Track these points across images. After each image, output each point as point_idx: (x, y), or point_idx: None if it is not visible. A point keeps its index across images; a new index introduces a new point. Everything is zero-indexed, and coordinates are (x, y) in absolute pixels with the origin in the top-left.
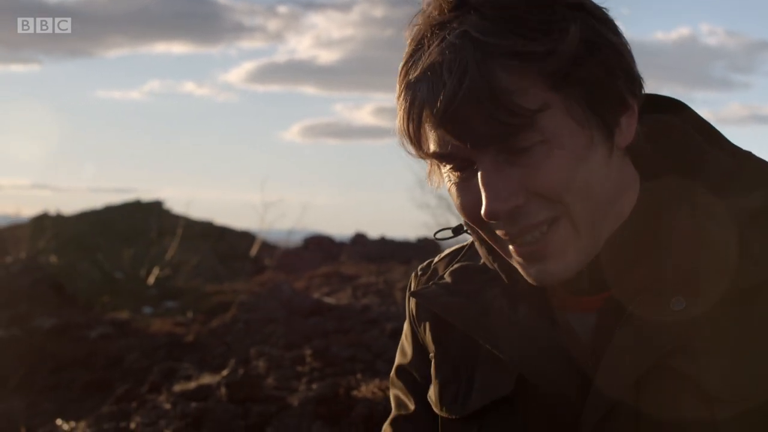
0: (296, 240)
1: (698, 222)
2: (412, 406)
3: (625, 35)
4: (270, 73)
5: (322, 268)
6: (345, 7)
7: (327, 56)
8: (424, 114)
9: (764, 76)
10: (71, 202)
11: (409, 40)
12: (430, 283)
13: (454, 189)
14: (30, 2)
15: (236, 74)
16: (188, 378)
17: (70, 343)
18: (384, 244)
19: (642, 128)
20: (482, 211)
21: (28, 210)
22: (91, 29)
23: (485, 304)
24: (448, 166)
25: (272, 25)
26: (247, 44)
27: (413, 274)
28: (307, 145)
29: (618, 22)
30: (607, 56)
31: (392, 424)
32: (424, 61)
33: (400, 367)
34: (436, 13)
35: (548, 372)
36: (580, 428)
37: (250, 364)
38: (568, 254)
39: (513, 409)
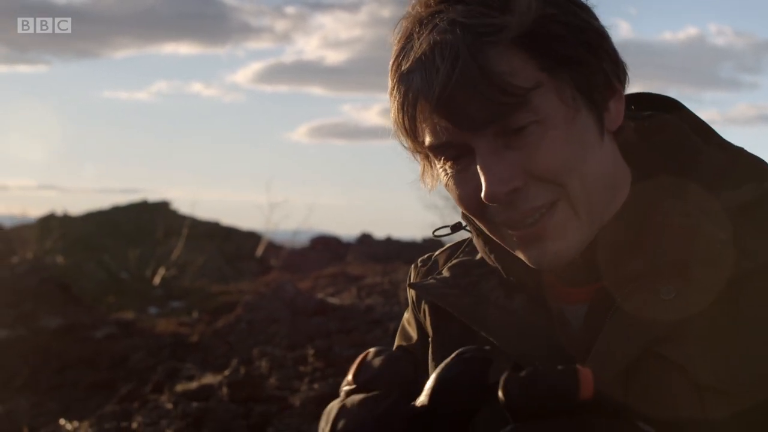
0: (302, 240)
1: (689, 214)
2: None
3: (632, 35)
4: (277, 73)
5: (328, 269)
6: (353, 8)
7: (335, 57)
8: (419, 104)
9: None
10: (78, 203)
11: (398, 38)
12: (429, 277)
13: (451, 182)
14: (37, 3)
15: (243, 75)
16: (191, 378)
17: (75, 343)
18: (390, 244)
19: (634, 125)
20: (482, 194)
21: (35, 210)
22: (98, 30)
23: (481, 295)
24: (445, 159)
25: (280, 25)
26: (254, 45)
27: (413, 265)
28: (314, 146)
29: (626, 22)
30: (590, 38)
31: None
32: (416, 51)
33: (400, 348)
34: (422, 8)
35: (541, 360)
36: None
37: (253, 364)
38: (567, 235)
39: None
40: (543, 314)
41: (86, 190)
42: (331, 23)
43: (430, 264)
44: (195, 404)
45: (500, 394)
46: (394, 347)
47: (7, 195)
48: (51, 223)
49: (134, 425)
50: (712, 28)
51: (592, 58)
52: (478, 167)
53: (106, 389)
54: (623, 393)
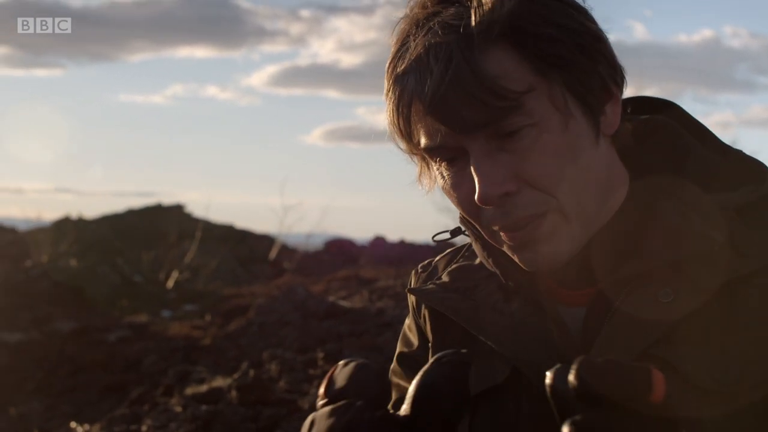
0: (316, 243)
1: (686, 216)
2: None
3: (647, 37)
4: (292, 76)
5: (341, 272)
6: (368, 11)
7: (350, 60)
8: (413, 105)
9: None
10: (93, 206)
11: (395, 40)
12: (429, 282)
13: (447, 186)
14: (50, 7)
15: (259, 78)
16: (201, 381)
17: (88, 346)
18: (403, 247)
19: (631, 127)
20: (476, 197)
21: (51, 214)
22: (114, 34)
23: (480, 299)
24: (440, 161)
25: (295, 28)
26: (269, 48)
27: (414, 271)
28: (330, 149)
29: (640, 24)
30: (585, 40)
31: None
32: (411, 53)
33: (402, 355)
34: (419, 9)
35: (539, 363)
36: None
37: (263, 368)
38: (559, 239)
39: (505, 398)
40: (541, 318)
41: (102, 193)
42: (346, 26)
43: (430, 269)
44: (204, 407)
45: (571, 378)
46: (396, 354)
47: (23, 198)
48: (65, 226)
49: (144, 428)
50: (727, 29)
51: (586, 60)
52: (472, 169)
53: (119, 392)
54: None
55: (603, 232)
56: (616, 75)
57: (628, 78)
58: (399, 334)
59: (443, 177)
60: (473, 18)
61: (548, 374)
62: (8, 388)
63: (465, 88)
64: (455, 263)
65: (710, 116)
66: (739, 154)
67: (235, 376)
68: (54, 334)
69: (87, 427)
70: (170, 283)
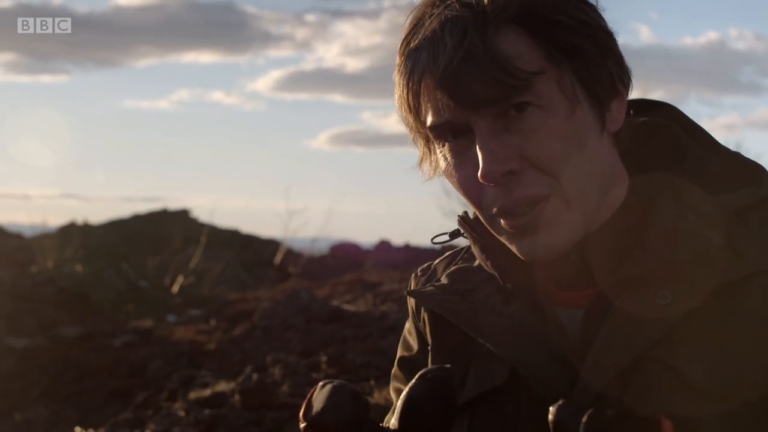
0: (321, 247)
1: (685, 218)
2: None
3: (653, 40)
4: (298, 81)
5: (346, 276)
6: (373, 15)
7: (355, 64)
8: (424, 79)
9: None
10: (100, 212)
11: (408, 21)
12: (428, 285)
13: (450, 167)
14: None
15: (264, 83)
16: (205, 385)
17: (94, 351)
18: (408, 251)
19: (630, 129)
20: (479, 173)
21: (57, 219)
22: (120, 39)
23: (479, 301)
24: (444, 141)
25: (300, 33)
26: (274, 53)
27: (413, 274)
28: (335, 153)
29: (646, 27)
30: (597, 35)
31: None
32: (426, 30)
33: (402, 359)
34: None
35: (538, 365)
36: None
37: (266, 371)
38: (559, 227)
39: (504, 400)
40: (540, 320)
41: (108, 198)
42: (351, 30)
43: (429, 272)
44: (207, 411)
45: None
46: (397, 358)
47: (30, 204)
48: (71, 232)
49: None
50: (732, 32)
51: (596, 53)
52: (476, 146)
53: (125, 397)
54: (620, 397)
55: (601, 231)
56: (623, 74)
57: (633, 80)
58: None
59: (446, 159)
60: (492, 6)
61: (552, 409)
62: (14, 394)
63: (478, 63)
64: (454, 265)
65: (716, 119)
66: (738, 156)
67: (239, 380)
68: (59, 340)
69: (91, 431)
70: (175, 288)
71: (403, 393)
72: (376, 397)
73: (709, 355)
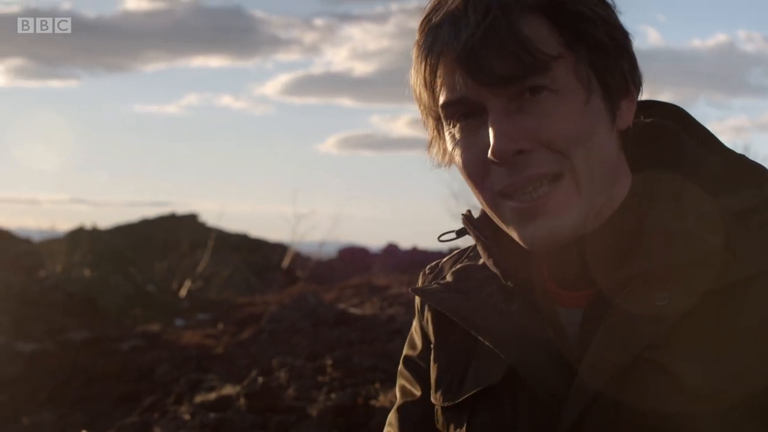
0: (329, 251)
1: (685, 219)
2: (418, 393)
3: (661, 42)
4: (306, 85)
5: (353, 279)
6: (381, 19)
7: (363, 68)
8: (443, 56)
9: None
10: (108, 216)
11: (432, 2)
12: (433, 282)
13: (458, 148)
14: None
15: (272, 87)
16: (212, 389)
17: (102, 355)
18: (416, 254)
19: (636, 129)
20: (489, 151)
21: (66, 224)
22: (129, 44)
23: (480, 299)
24: (456, 120)
25: (308, 37)
26: (283, 57)
27: (421, 273)
28: (343, 157)
29: (654, 30)
30: (614, 31)
31: (398, 410)
32: (448, 7)
33: (407, 358)
34: None
35: (536, 364)
36: (563, 418)
37: (272, 375)
38: (567, 212)
39: (502, 398)
40: (539, 319)
41: (116, 203)
42: (360, 34)
43: (436, 271)
44: (212, 415)
45: None
46: (402, 356)
47: (38, 209)
48: (80, 236)
49: None
50: (741, 34)
51: (613, 49)
52: (489, 125)
53: (132, 401)
54: (616, 397)
55: (602, 230)
56: (635, 75)
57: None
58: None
59: (454, 138)
60: None
61: None
62: (22, 398)
63: (499, 40)
64: (460, 263)
65: (724, 121)
66: (743, 158)
67: (244, 383)
68: (67, 344)
69: None
70: (183, 293)
71: None
72: (382, 400)
73: (706, 356)
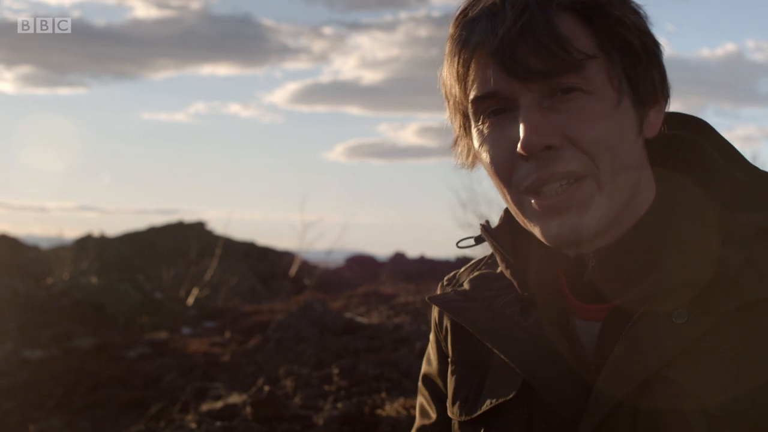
0: (337, 259)
1: (705, 236)
2: (434, 415)
3: (670, 51)
4: (315, 93)
5: (361, 288)
6: (389, 27)
7: (372, 76)
8: (478, 49)
9: None
10: (116, 224)
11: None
12: (450, 289)
13: (486, 143)
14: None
15: (281, 95)
16: (218, 397)
17: (108, 362)
18: (423, 263)
19: (662, 141)
20: (519, 145)
21: (74, 231)
22: (137, 52)
23: (497, 309)
24: (485, 116)
25: (317, 46)
26: (292, 65)
27: (440, 284)
28: (351, 165)
29: (663, 39)
30: (648, 41)
31: None
32: (486, 2)
33: (425, 376)
34: None
35: (551, 377)
36: None
37: (278, 383)
38: (590, 209)
39: (517, 412)
40: (556, 331)
41: (124, 211)
42: (368, 43)
43: (454, 282)
44: (218, 423)
45: None
46: (421, 373)
47: (46, 216)
48: (87, 244)
49: None
50: (750, 43)
51: (645, 56)
52: (520, 119)
53: (139, 408)
54: (633, 414)
55: (623, 241)
56: (664, 85)
57: None
58: (415, 349)
59: (482, 134)
60: None
61: None
62: (29, 405)
63: (535, 35)
64: (477, 271)
65: (733, 130)
66: (765, 175)
67: (251, 392)
68: (74, 351)
69: None
70: (190, 300)
71: None
72: (388, 410)
73: (724, 377)
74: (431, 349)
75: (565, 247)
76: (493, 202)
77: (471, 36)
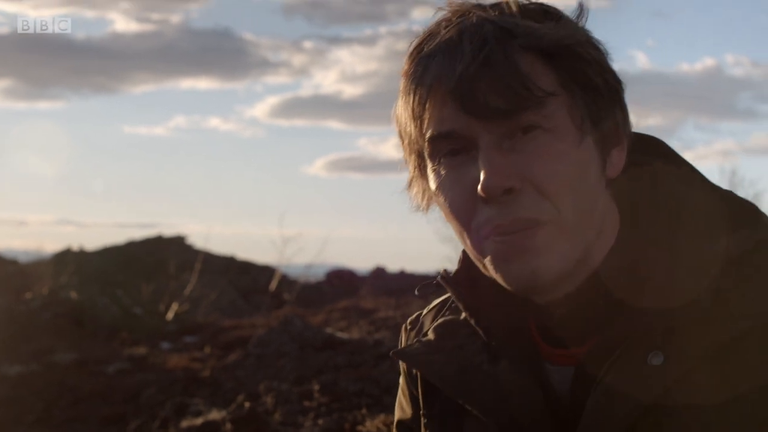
0: (317, 274)
1: (676, 275)
2: None
3: (649, 66)
4: (295, 107)
5: (341, 302)
6: (369, 42)
7: (352, 90)
8: (434, 86)
9: None
10: (95, 238)
11: (423, 32)
12: (415, 341)
13: (443, 185)
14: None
15: (261, 109)
16: (198, 413)
17: (88, 377)
18: (404, 277)
19: (625, 177)
20: (479, 187)
21: (53, 245)
22: (118, 66)
23: (465, 359)
24: (442, 156)
25: (297, 60)
26: (272, 79)
27: (403, 328)
28: (332, 179)
29: (643, 54)
30: (610, 78)
31: None
32: (442, 36)
33: (400, 423)
34: (452, 9)
35: (526, 427)
36: None
37: (259, 400)
38: (551, 253)
39: None
40: (528, 379)
41: (104, 225)
42: (348, 57)
43: (418, 326)
44: None
45: None
46: (395, 421)
47: (26, 230)
48: (66, 258)
49: None
50: (729, 58)
51: (607, 94)
52: (479, 160)
53: (119, 424)
54: None
55: (589, 283)
56: (627, 125)
57: (630, 106)
58: (395, 365)
59: (439, 175)
60: (512, 18)
61: None
62: (8, 420)
63: (495, 73)
64: (441, 317)
65: (712, 145)
66: (730, 195)
67: (231, 408)
68: (54, 366)
69: None
70: (170, 315)
71: None
72: (368, 426)
73: (706, 418)
74: (403, 397)
75: (526, 292)
76: None
77: (427, 72)
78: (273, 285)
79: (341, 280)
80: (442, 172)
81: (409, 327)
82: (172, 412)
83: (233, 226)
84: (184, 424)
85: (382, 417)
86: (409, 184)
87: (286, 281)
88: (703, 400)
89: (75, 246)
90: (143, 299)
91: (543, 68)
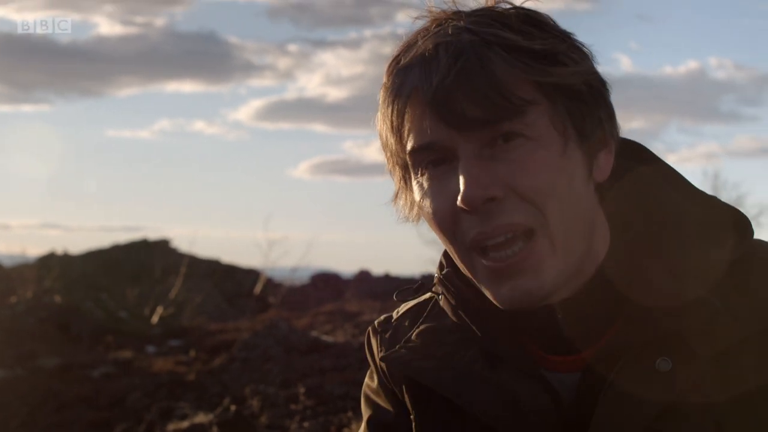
0: (302, 277)
1: (680, 279)
2: None
3: (633, 69)
4: (280, 111)
5: (326, 306)
6: (354, 45)
7: (336, 94)
8: (412, 98)
9: None
10: (79, 242)
11: (401, 44)
12: (398, 346)
13: (427, 197)
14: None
15: (245, 112)
16: (183, 417)
17: (73, 382)
18: (388, 281)
19: (613, 182)
20: (459, 198)
21: (37, 249)
22: (102, 69)
23: (461, 367)
24: (423, 167)
25: (282, 63)
26: (257, 82)
27: (371, 330)
28: (316, 183)
29: (627, 57)
30: (593, 80)
31: None
32: (419, 48)
33: (372, 422)
34: (431, 21)
35: None
36: None
37: (245, 403)
38: (543, 271)
39: None
40: (531, 386)
41: (88, 228)
42: (333, 60)
43: (392, 330)
44: None
45: None
46: (366, 419)
47: (9, 234)
48: (51, 262)
49: None
50: (712, 61)
51: (590, 98)
52: (459, 171)
53: (104, 428)
54: None
55: (586, 290)
56: (613, 127)
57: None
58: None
59: (422, 187)
60: (489, 27)
61: None
62: None
63: (472, 83)
64: (423, 323)
65: (695, 147)
66: (716, 202)
67: (217, 412)
68: (39, 371)
69: None
70: (155, 319)
71: None
72: (354, 429)
73: (714, 422)
74: (378, 397)
75: (518, 309)
76: None
77: (404, 85)
78: (258, 288)
79: (326, 284)
80: (425, 184)
81: (379, 329)
82: (158, 416)
83: (218, 229)
84: (170, 427)
85: None
86: (396, 197)
87: (271, 285)
88: (710, 402)
89: (59, 250)
90: (128, 303)
91: (521, 76)
